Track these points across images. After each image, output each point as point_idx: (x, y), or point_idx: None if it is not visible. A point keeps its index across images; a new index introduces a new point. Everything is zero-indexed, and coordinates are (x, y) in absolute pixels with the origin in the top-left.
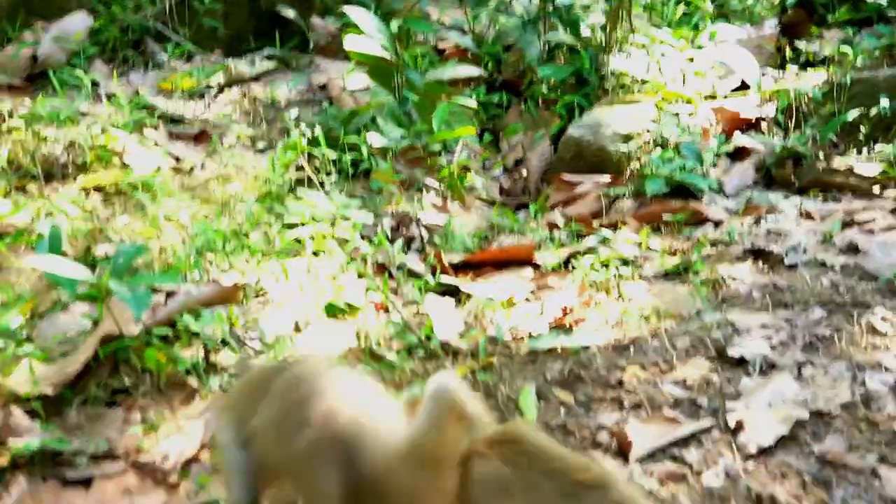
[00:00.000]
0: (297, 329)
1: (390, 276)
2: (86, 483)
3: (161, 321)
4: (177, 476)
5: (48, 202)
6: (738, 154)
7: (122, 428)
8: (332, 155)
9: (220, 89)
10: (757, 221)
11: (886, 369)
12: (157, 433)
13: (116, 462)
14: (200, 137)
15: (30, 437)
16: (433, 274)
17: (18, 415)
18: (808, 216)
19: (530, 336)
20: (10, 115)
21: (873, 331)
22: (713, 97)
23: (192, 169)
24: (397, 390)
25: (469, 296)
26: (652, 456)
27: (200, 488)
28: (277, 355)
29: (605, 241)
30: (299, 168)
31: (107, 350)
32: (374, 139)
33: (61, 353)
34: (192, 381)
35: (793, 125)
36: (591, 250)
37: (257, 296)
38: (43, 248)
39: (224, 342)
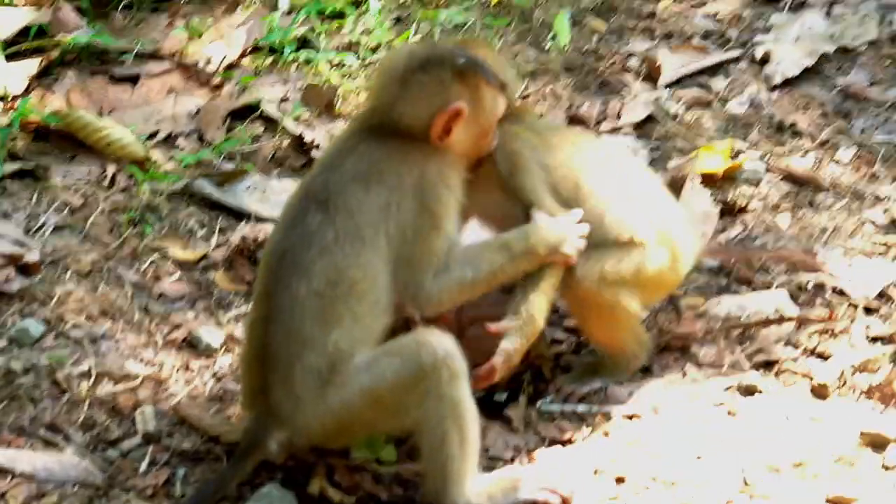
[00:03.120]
0: None
1: None
2: (132, 80)
3: None
4: (220, 78)
5: None
6: None
7: (167, 31)
8: None
9: None
10: None
11: None
12: (201, 38)
13: (162, 62)
14: None
15: (78, 33)
16: None
17: (67, 10)
18: None
19: None
20: None
21: None
22: None
23: None
24: None
25: None
26: (679, 82)
27: (243, 90)
28: None
29: None
30: None
31: None
32: None
33: None
34: None
35: None
36: None
37: None
38: None
39: None
